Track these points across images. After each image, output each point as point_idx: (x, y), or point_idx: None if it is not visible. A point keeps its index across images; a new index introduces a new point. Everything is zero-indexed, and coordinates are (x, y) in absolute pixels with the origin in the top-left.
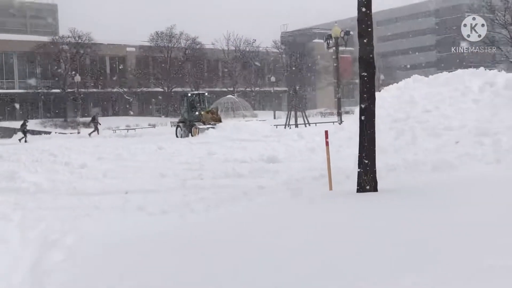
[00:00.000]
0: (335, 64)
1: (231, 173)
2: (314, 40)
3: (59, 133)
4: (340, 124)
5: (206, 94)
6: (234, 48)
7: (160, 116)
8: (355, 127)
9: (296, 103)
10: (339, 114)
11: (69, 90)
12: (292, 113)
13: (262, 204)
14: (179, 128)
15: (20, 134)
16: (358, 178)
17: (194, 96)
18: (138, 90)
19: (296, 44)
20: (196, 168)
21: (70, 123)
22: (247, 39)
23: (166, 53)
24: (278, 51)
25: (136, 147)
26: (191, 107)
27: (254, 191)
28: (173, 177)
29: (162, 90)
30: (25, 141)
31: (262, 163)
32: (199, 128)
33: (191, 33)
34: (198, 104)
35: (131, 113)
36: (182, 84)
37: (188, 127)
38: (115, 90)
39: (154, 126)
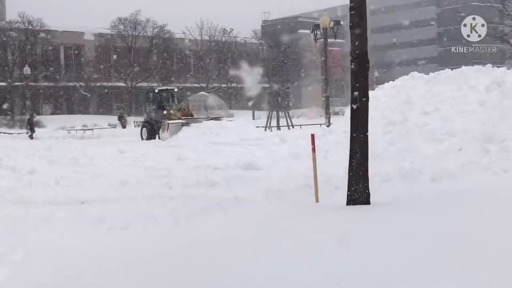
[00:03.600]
0: (323, 58)
1: (204, 182)
2: (299, 31)
3: (4, 133)
4: (328, 126)
5: (176, 89)
6: (208, 38)
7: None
8: (345, 130)
9: (278, 102)
10: (327, 116)
11: (16, 83)
12: (274, 113)
13: (239, 218)
14: (144, 129)
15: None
16: (348, 189)
17: (161, 92)
18: (97, 84)
19: (279, 35)
20: (164, 175)
21: (18, 122)
22: (223, 27)
23: (129, 43)
24: (258, 42)
25: (94, 150)
26: (158, 105)
27: (229, 202)
28: (136, 186)
29: (124, 85)
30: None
31: (239, 170)
32: (169, 124)
33: (159, 20)
34: (167, 102)
35: (89, 111)
36: (148, 79)
37: (154, 128)
38: (70, 84)
39: (115, 126)
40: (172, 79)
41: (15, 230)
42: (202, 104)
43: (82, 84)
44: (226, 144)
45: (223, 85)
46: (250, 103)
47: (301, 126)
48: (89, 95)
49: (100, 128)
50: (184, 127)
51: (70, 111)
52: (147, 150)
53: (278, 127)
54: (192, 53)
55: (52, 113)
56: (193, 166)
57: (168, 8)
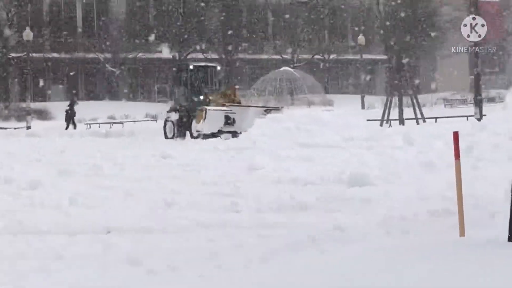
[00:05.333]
0: (471, 16)
1: (288, 203)
2: None
3: None
4: (479, 120)
5: (219, 67)
6: None
7: (166, 102)
8: (507, 126)
9: (402, 84)
10: (478, 103)
11: (13, 55)
12: (395, 100)
13: (342, 261)
14: (169, 123)
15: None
16: (511, 219)
17: (198, 70)
18: (130, 56)
19: None
20: (228, 193)
21: (15, 111)
22: None
23: None
24: None
25: (124, 153)
26: (192, 88)
27: (327, 236)
28: (187, 208)
29: (170, 57)
30: (74, 128)
31: (342, 186)
32: (206, 111)
33: None
34: (204, 83)
35: (119, 96)
36: (204, 47)
37: (184, 119)
38: (91, 56)
39: (155, 118)
40: (242, 48)
41: (10, 275)
42: (284, 86)
43: (107, 55)
44: (321, 147)
45: (317, 57)
46: (359, 83)
47: (437, 119)
48: (118, 71)
49: (134, 121)
50: (258, 120)
51: (91, 96)
52: (202, 154)
53: (401, 121)
54: (271, 9)
55: (65, 99)
56: (271, 180)
57: None
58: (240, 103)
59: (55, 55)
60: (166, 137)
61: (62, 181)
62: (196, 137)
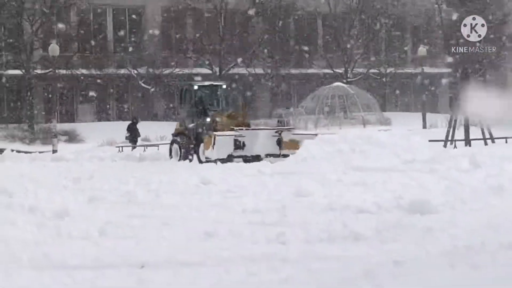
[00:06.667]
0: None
1: (340, 233)
2: None
3: (19, 151)
4: None
5: (225, 86)
6: None
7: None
8: None
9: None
10: None
11: (38, 71)
12: (460, 118)
13: None
14: (175, 145)
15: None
16: None
17: (203, 89)
18: (165, 71)
19: None
20: (273, 222)
21: (40, 133)
22: None
23: (219, 1)
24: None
25: (160, 179)
26: (198, 109)
27: (385, 270)
28: (229, 239)
29: (210, 71)
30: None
31: (401, 213)
32: (215, 137)
33: None
34: (210, 105)
35: (154, 113)
36: (247, 61)
37: (192, 143)
38: (122, 71)
39: None
40: (290, 62)
41: None
42: (336, 103)
43: (141, 71)
44: (377, 170)
45: (372, 71)
46: (420, 100)
47: (507, 140)
48: (153, 88)
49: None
50: (307, 141)
51: (122, 116)
52: (245, 179)
53: (467, 141)
54: (322, 18)
55: (94, 119)
56: (321, 207)
57: None
58: (249, 125)
59: (84, 71)
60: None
61: (91, 209)
62: (205, 162)
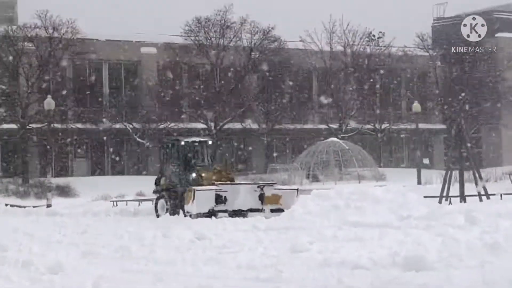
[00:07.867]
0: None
1: None
2: (497, 35)
3: (13, 205)
4: None
5: (210, 142)
6: (342, 48)
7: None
8: None
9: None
10: None
11: (33, 125)
12: (455, 174)
13: None
14: (161, 200)
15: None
16: None
17: (189, 145)
18: (161, 126)
19: (462, 41)
20: (268, 278)
21: (34, 187)
22: (368, 31)
23: (214, 57)
24: (427, 54)
25: (155, 234)
26: (185, 165)
27: None
28: None
29: (205, 126)
30: None
31: (396, 270)
32: (195, 191)
33: (262, 21)
34: (197, 159)
35: (149, 170)
36: (242, 116)
37: (178, 198)
38: (117, 126)
39: None
40: (285, 117)
41: None
42: (333, 157)
43: (136, 125)
44: (373, 226)
45: (367, 126)
46: (415, 156)
47: (502, 196)
48: (148, 143)
49: None
50: (302, 196)
51: (117, 170)
52: (240, 234)
53: (463, 198)
54: (317, 73)
55: (88, 173)
56: (317, 263)
57: (277, 3)
58: (233, 180)
59: (79, 125)
60: (157, 215)
61: (85, 264)
62: (189, 216)
